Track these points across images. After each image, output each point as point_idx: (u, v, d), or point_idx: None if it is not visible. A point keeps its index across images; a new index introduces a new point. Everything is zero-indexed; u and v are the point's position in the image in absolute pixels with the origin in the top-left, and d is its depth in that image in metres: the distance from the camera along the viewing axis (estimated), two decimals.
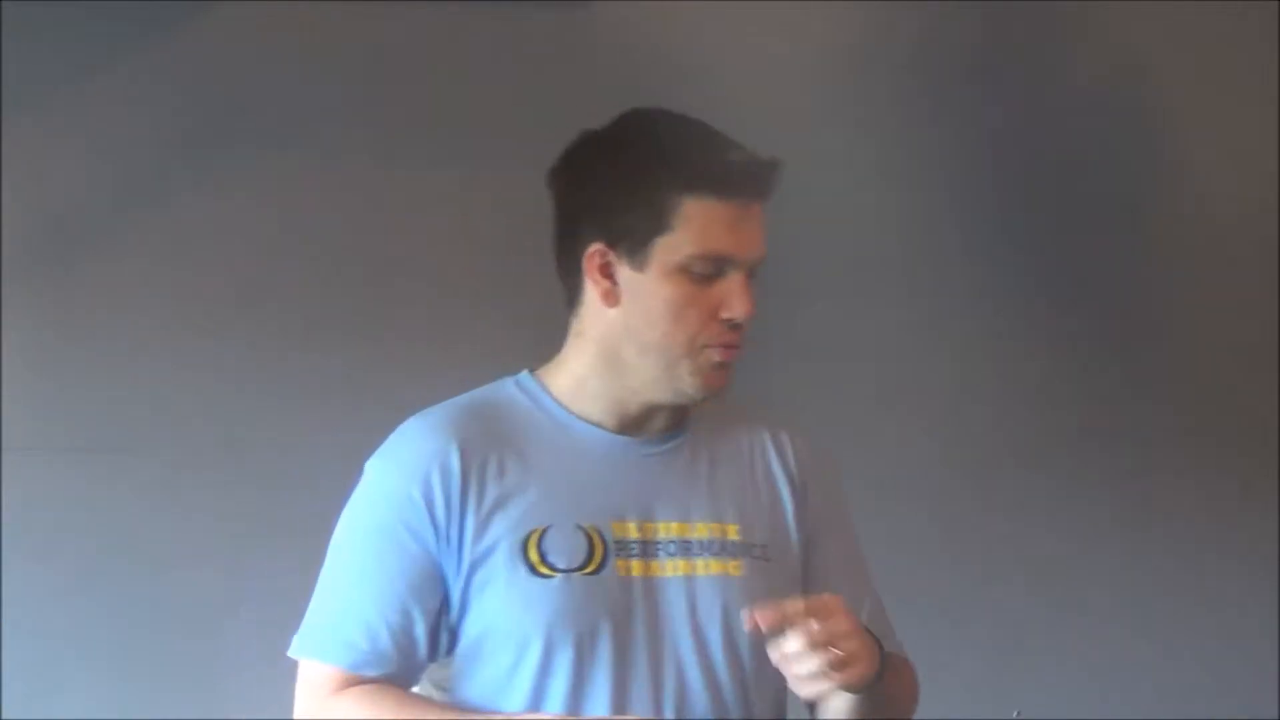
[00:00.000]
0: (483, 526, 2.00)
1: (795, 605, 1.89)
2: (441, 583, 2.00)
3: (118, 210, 3.28)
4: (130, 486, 3.24)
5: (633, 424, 2.08)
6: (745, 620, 1.90)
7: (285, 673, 3.17)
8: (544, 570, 1.99)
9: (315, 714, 2.01)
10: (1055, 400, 3.62)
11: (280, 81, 3.33)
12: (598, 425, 2.07)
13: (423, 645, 2.00)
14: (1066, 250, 3.64)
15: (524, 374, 2.13)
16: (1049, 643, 3.54)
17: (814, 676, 1.88)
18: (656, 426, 2.09)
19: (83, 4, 3.23)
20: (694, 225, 1.99)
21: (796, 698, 2.00)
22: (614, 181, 2.02)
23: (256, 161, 3.32)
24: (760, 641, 1.94)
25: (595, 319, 2.06)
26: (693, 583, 2.03)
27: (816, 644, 1.87)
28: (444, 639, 2.02)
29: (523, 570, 1.98)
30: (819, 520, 2.15)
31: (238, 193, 3.31)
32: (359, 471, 3.21)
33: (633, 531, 2.03)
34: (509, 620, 1.99)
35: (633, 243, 2.01)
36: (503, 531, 2.00)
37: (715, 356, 2.02)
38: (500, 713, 1.98)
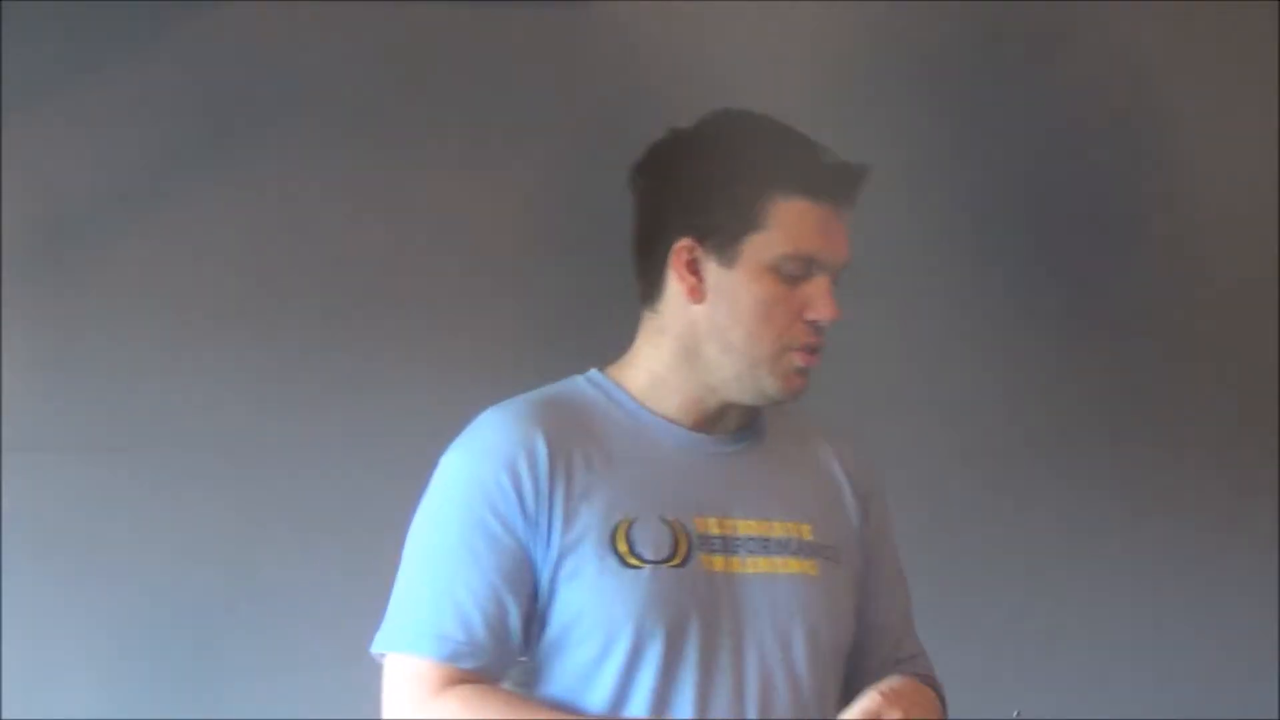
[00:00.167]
0: (571, 515, 1.99)
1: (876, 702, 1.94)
2: (532, 570, 1.98)
3: (118, 210, 3.28)
4: (130, 486, 3.23)
5: (707, 422, 2.09)
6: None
7: (285, 673, 3.19)
8: (633, 561, 1.98)
9: (418, 713, 1.96)
10: (1057, 400, 3.62)
11: (280, 81, 3.33)
12: (674, 422, 2.08)
13: (517, 635, 1.99)
14: (1068, 250, 3.65)
15: (593, 371, 2.13)
16: (1050, 642, 3.54)
17: None
18: (730, 425, 2.10)
19: (83, 4, 3.22)
20: (786, 225, 2.02)
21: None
22: (706, 178, 2.04)
23: (257, 161, 3.32)
24: (838, 641, 2.04)
25: (678, 315, 2.06)
26: (774, 580, 2.04)
27: None
28: (535, 629, 2.00)
29: (612, 561, 1.98)
30: (877, 532, 2.19)
31: (238, 193, 3.31)
32: (359, 471, 3.24)
33: (714, 527, 2.03)
34: (599, 610, 1.97)
35: (723, 239, 2.02)
36: (591, 521, 1.99)
37: (797, 361, 2.04)
38: (611, 715, 1.97)
